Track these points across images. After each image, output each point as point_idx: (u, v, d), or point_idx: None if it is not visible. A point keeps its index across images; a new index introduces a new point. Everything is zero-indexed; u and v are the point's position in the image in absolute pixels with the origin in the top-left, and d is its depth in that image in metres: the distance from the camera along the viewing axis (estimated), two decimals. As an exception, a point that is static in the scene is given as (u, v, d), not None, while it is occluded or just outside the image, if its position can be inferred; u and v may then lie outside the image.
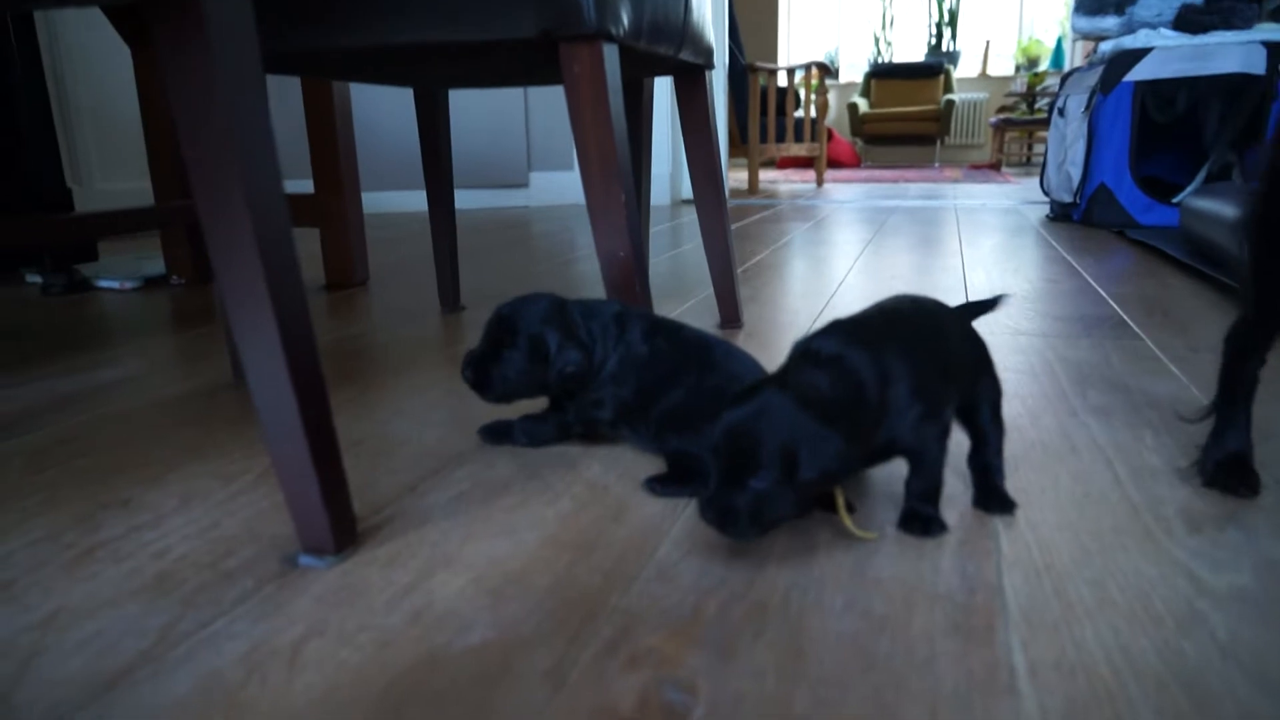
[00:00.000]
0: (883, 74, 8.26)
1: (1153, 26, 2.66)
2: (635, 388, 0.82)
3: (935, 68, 8.08)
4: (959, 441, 0.72)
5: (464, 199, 3.85)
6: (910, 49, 8.75)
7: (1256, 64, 2.43)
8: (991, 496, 0.71)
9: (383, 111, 3.55)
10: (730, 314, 1.42)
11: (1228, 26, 2.52)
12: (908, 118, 7.95)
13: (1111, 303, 1.56)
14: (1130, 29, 2.72)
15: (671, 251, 2.34)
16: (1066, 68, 6.23)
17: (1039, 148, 7.43)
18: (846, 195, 4.44)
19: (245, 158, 0.59)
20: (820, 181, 5.31)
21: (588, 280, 1.88)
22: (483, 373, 0.83)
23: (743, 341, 1.30)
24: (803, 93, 5.36)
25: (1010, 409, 0.91)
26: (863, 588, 0.59)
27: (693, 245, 2.45)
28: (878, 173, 6.75)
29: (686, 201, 3.96)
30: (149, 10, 0.57)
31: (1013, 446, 0.78)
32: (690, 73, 1.35)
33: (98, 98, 2.87)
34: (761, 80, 4.57)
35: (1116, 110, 2.61)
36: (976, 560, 0.63)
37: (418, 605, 0.58)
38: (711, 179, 1.39)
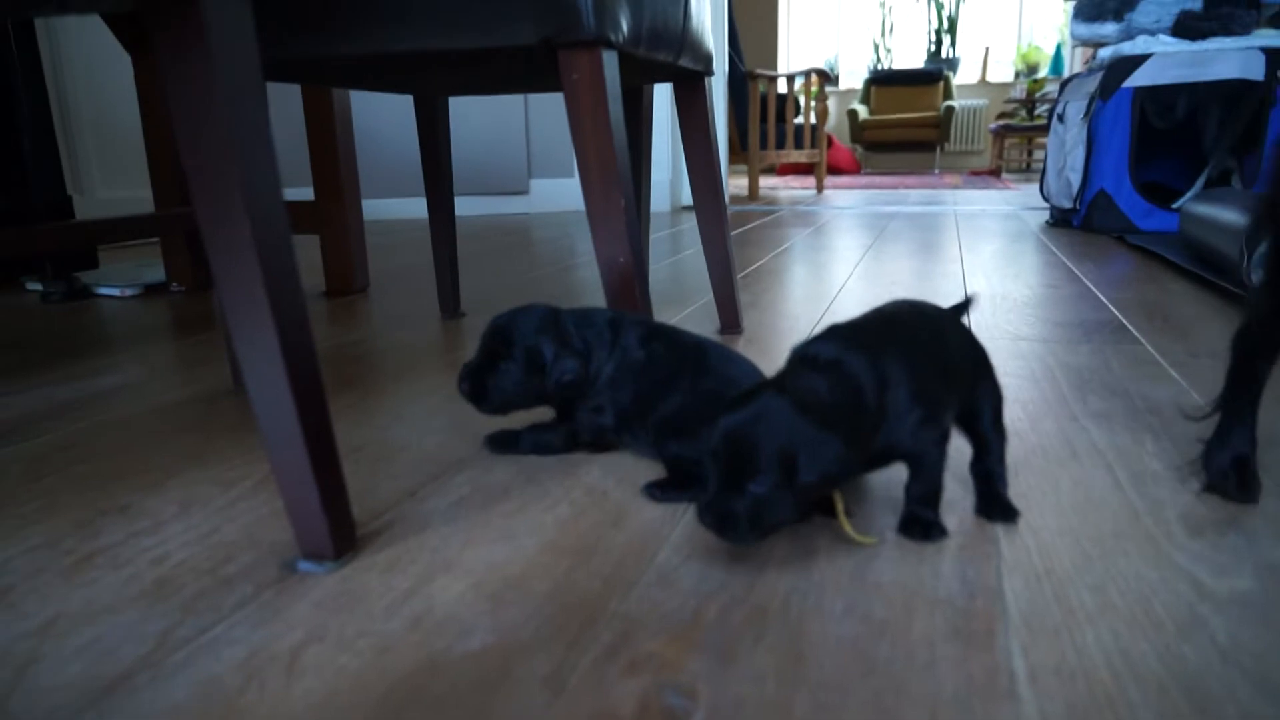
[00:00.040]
0: (882, 81, 8.27)
1: (1151, 33, 2.66)
2: (633, 393, 0.82)
3: (935, 74, 8.10)
4: (959, 446, 0.72)
5: (464, 206, 3.85)
6: (910, 56, 8.77)
7: (1255, 70, 2.44)
8: (994, 504, 0.71)
9: (383, 119, 3.55)
10: (730, 320, 1.42)
11: (1226, 33, 2.53)
12: (907, 124, 7.96)
13: (1111, 308, 1.56)
14: (1129, 35, 2.73)
15: (672, 258, 2.34)
16: (1066, 74, 6.23)
17: (1039, 154, 7.44)
18: (846, 201, 4.44)
19: (245, 165, 0.59)
20: (820, 188, 5.32)
21: (588, 286, 1.88)
22: (479, 384, 0.84)
23: (742, 347, 1.30)
24: (802, 99, 5.37)
25: (1011, 414, 0.91)
26: (863, 592, 0.59)
27: (693, 251, 2.45)
28: (878, 179, 6.76)
29: (686, 208, 3.96)
30: (149, 18, 0.58)
31: (1013, 451, 0.77)
32: (689, 79, 1.35)
33: (99, 106, 2.88)
34: (761, 87, 4.57)
35: (1116, 116, 2.62)
36: (977, 565, 0.63)
37: (417, 611, 0.58)
38: (711, 185, 1.39)
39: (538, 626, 0.56)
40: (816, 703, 0.47)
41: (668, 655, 0.52)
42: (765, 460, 0.58)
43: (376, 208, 3.72)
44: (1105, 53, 2.77)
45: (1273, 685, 0.48)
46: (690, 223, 3.29)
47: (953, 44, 8.46)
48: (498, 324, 0.85)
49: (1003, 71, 8.45)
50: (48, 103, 2.16)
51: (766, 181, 6.58)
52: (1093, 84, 2.73)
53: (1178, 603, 0.57)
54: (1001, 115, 7.56)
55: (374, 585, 0.61)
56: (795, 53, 8.92)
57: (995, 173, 7.05)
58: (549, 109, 3.86)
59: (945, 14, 8.41)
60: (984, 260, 2.20)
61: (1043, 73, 7.72)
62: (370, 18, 0.95)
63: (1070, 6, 3.04)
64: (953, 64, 8.40)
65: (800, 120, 5.51)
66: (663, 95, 3.54)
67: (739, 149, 4.76)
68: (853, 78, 8.88)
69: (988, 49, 8.46)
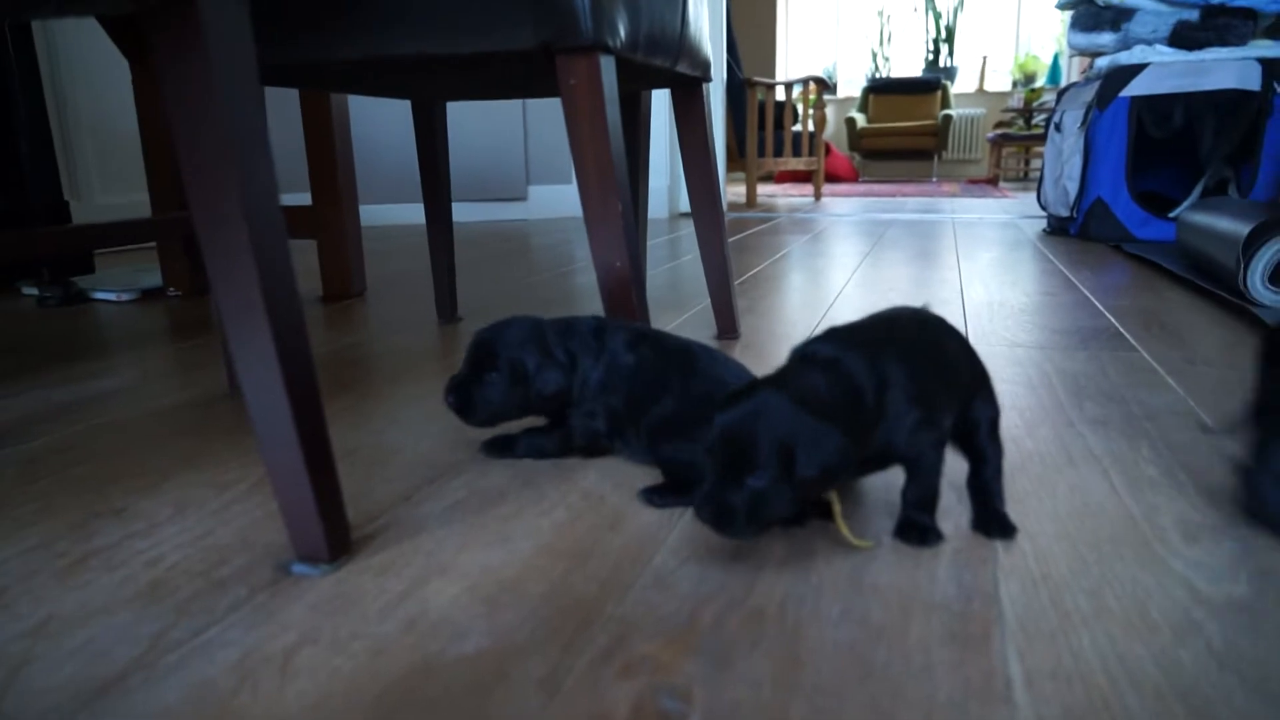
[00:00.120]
0: (880, 89, 8.29)
1: (1148, 43, 2.67)
2: (624, 397, 0.83)
3: (933, 83, 8.12)
4: (955, 459, 0.72)
5: (462, 212, 3.86)
6: (908, 65, 8.79)
7: (1252, 80, 2.45)
8: (991, 520, 0.69)
9: (381, 125, 3.56)
10: (727, 325, 1.42)
11: (1223, 43, 2.54)
12: (905, 133, 7.98)
13: (1108, 315, 1.56)
14: (1126, 45, 2.74)
15: (669, 264, 2.35)
16: (1063, 84, 6.26)
17: (1036, 163, 7.46)
18: (844, 209, 4.45)
19: (242, 169, 0.59)
20: (818, 195, 5.32)
21: (585, 292, 1.89)
22: (465, 397, 0.84)
23: (739, 352, 1.30)
24: (800, 107, 5.38)
25: (1007, 420, 0.91)
26: (859, 596, 0.59)
27: (690, 258, 2.45)
28: (875, 187, 6.77)
29: (684, 214, 3.97)
30: (147, 21, 0.58)
31: (1010, 458, 0.77)
32: (687, 85, 1.35)
33: (96, 112, 2.88)
34: (759, 95, 4.58)
35: (1113, 125, 2.63)
36: (973, 569, 0.63)
37: (412, 613, 0.58)
38: (709, 190, 1.39)
39: (533, 629, 0.56)
40: (813, 707, 0.47)
41: (663, 658, 0.52)
42: (764, 454, 0.57)
43: (374, 213, 3.72)
44: (1102, 62, 2.78)
45: (1268, 690, 0.48)
46: (687, 229, 3.30)
47: (950, 53, 8.49)
48: (482, 337, 0.85)
49: (1000, 81, 8.47)
50: (45, 107, 2.16)
51: (764, 189, 6.59)
52: (1090, 93, 2.74)
53: (1174, 608, 0.57)
54: (999, 124, 7.58)
55: (368, 588, 0.61)
56: (793, 61, 8.94)
57: (993, 181, 7.07)
58: (547, 116, 3.86)
59: (943, 23, 8.44)
60: (981, 268, 2.20)
61: (1040, 82, 7.75)
62: (368, 21, 0.95)
63: (1068, 16, 3.05)
64: (950, 73, 8.42)
65: (798, 128, 5.53)
66: (660, 103, 3.54)
67: (737, 156, 4.77)
68: (851, 86, 8.90)
69: (985, 58, 8.48)
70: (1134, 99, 2.59)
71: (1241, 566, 0.63)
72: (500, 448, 0.89)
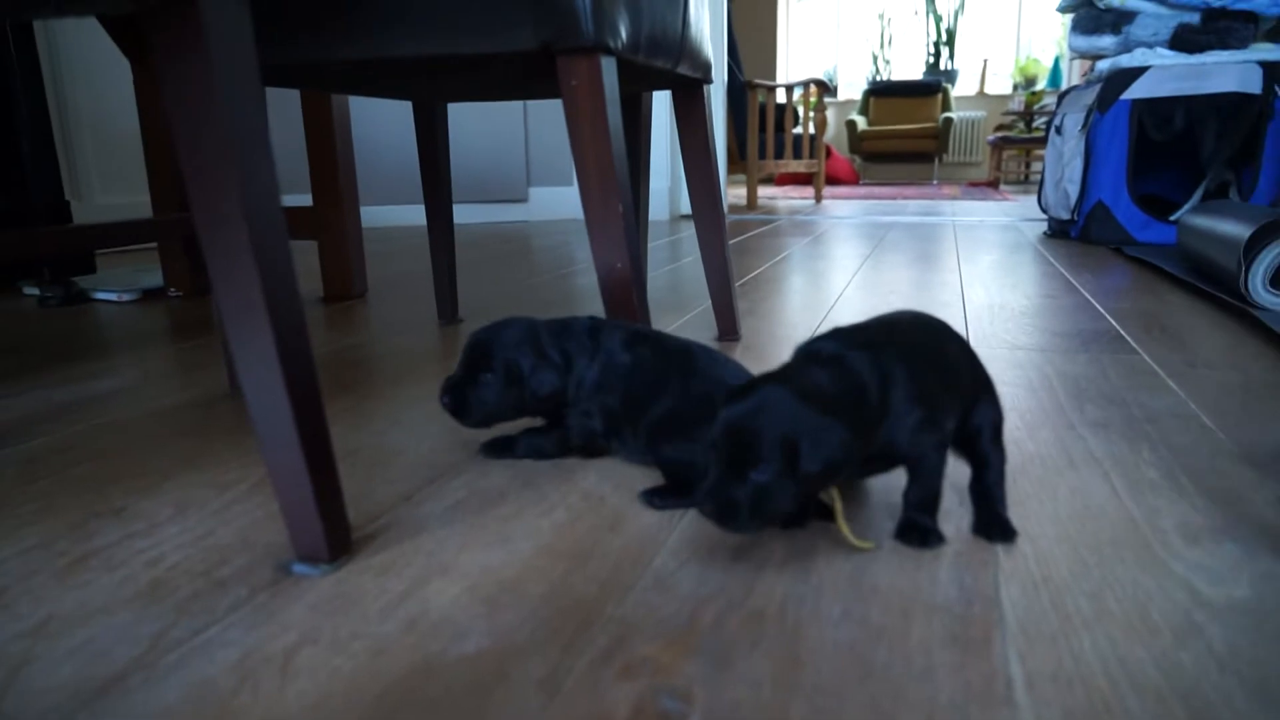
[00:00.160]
0: (881, 92, 8.30)
1: (1149, 46, 2.67)
2: (621, 396, 0.83)
3: (933, 86, 8.12)
4: (958, 463, 0.72)
5: (463, 214, 3.86)
6: (908, 67, 8.80)
7: (1253, 83, 2.45)
8: (992, 524, 0.69)
9: (382, 126, 3.56)
10: (728, 327, 1.42)
11: (1224, 46, 2.54)
12: (906, 135, 7.98)
13: (1109, 318, 1.56)
14: (1127, 48, 2.74)
15: (670, 265, 2.35)
16: (1064, 87, 6.26)
17: (1036, 165, 7.46)
18: (845, 211, 4.45)
19: (243, 169, 0.59)
20: (819, 198, 5.33)
21: (586, 294, 1.89)
22: (460, 398, 0.84)
23: (740, 354, 1.30)
24: (801, 110, 5.38)
25: (1008, 423, 0.91)
26: (860, 597, 0.59)
27: (691, 259, 2.45)
28: (876, 189, 6.77)
29: (685, 217, 3.97)
30: (148, 21, 0.58)
31: (1011, 460, 0.77)
32: (688, 87, 1.35)
33: (98, 112, 2.88)
34: (760, 97, 4.59)
35: (1114, 128, 2.63)
36: (974, 571, 0.63)
37: (412, 613, 0.58)
38: (710, 192, 1.39)
39: (533, 630, 0.55)
40: (813, 708, 0.47)
41: (663, 659, 0.52)
42: (767, 448, 0.57)
43: (375, 215, 3.72)
44: (1103, 65, 2.78)
45: (1269, 693, 0.48)
46: (688, 231, 3.30)
47: (951, 56, 8.50)
48: (477, 338, 0.85)
49: (1001, 84, 8.48)
50: (46, 107, 2.16)
51: (765, 191, 6.60)
52: (1090, 96, 2.74)
53: (1175, 610, 0.57)
54: (1000, 127, 7.58)
55: (369, 588, 0.61)
56: (794, 63, 8.95)
57: (993, 184, 7.07)
58: (548, 117, 3.87)
59: (944, 26, 8.45)
60: (982, 270, 2.20)
61: (1041, 85, 7.75)
62: (369, 22, 0.95)
63: (1068, 19, 3.05)
64: (951, 76, 8.43)
65: (799, 130, 5.53)
66: (661, 106, 3.55)
67: (738, 158, 4.78)
68: (851, 89, 8.91)
69: (986, 61, 8.49)
70: (1135, 102, 2.60)
71: (1243, 569, 0.63)
72: (500, 449, 0.88)
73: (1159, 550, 0.66)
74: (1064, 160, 2.88)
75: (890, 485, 0.78)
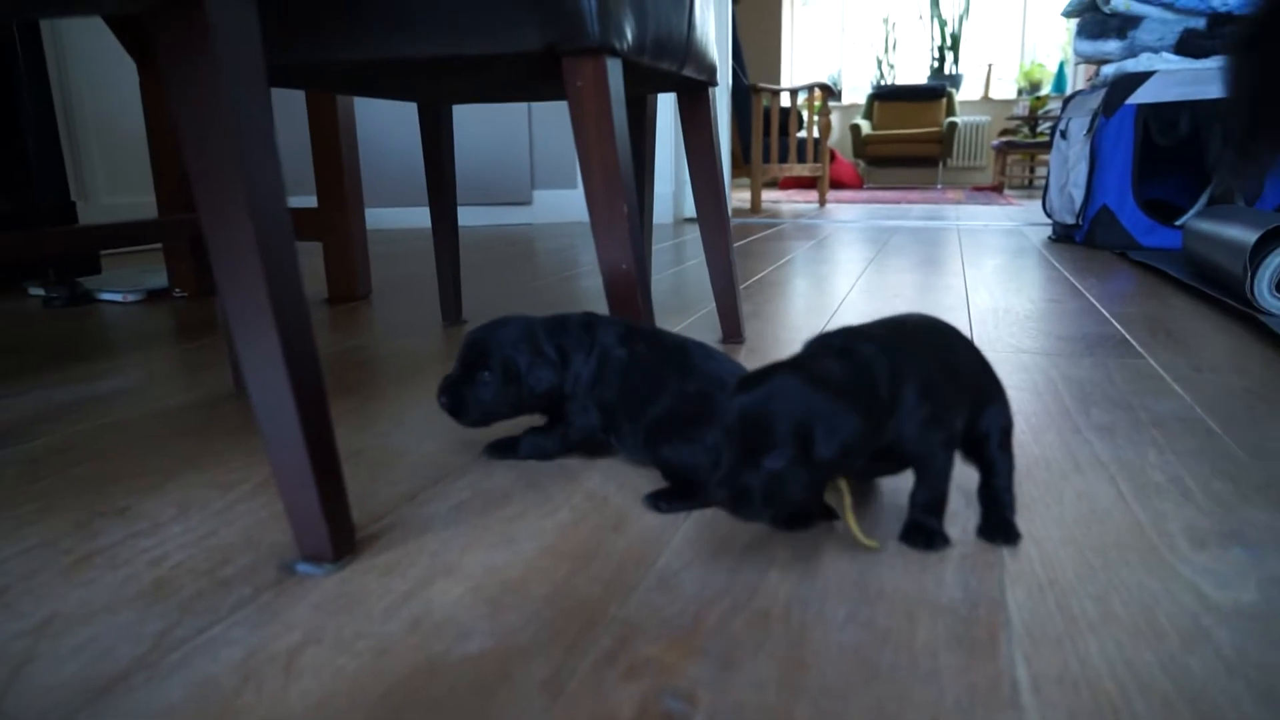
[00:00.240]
0: (885, 96, 8.30)
1: (1155, 50, 2.67)
2: (618, 391, 0.82)
3: (938, 90, 8.12)
4: (965, 467, 0.72)
5: (467, 216, 3.86)
6: (913, 72, 8.80)
7: (1258, 88, 2.44)
8: (997, 526, 0.68)
9: (387, 128, 3.57)
10: (732, 329, 1.42)
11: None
12: (910, 139, 7.98)
13: (1114, 322, 1.56)
14: (1132, 53, 2.73)
15: (674, 268, 2.35)
16: (1068, 91, 6.25)
17: (1041, 170, 7.45)
18: (849, 215, 4.45)
19: (249, 169, 0.59)
20: (823, 202, 5.32)
21: (590, 296, 1.88)
22: (458, 398, 0.84)
23: (744, 356, 1.29)
24: (805, 114, 5.38)
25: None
26: (865, 599, 0.59)
27: (695, 262, 2.45)
28: (880, 194, 6.77)
29: (689, 220, 3.97)
30: (154, 21, 0.58)
31: (1016, 463, 0.77)
32: (693, 89, 1.35)
33: (103, 112, 2.89)
34: (765, 101, 4.59)
35: (1119, 133, 2.62)
36: (979, 574, 0.62)
37: (416, 613, 0.58)
38: (714, 194, 1.39)
39: (537, 630, 0.55)
40: (818, 710, 0.47)
41: (667, 660, 0.52)
42: (781, 435, 0.57)
43: (379, 217, 3.73)
44: (1109, 70, 2.78)
45: (1278, 698, 0.48)
46: (692, 234, 3.30)
47: (955, 61, 8.50)
48: (474, 337, 0.85)
49: (1005, 88, 8.48)
50: (52, 107, 2.16)
51: (769, 195, 6.60)
52: (1096, 100, 2.74)
53: (1181, 614, 0.57)
54: (1004, 132, 7.58)
55: (373, 588, 0.61)
56: (799, 67, 8.96)
57: (998, 189, 7.06)
58: (552, 120, 3.87)
59: (948, 31, 8.45)
60: (986, 274, 2.20)
61: (1045, 90, 7.75)
62: (374, 23, 0.95)
63: (1074, 24, 3.05)
64: (955, 80, 8.42)
65: (803, 134, 5.53)
66: (664, 108, 3.55)
67: (742, 162, 4.78)
68: (856, 93, 8.91)
69: (990, 66, 8.49)
70: (1140, 106, 2.59)
71: (1250, 573, 0.62)
72: (503, 449, 0.88)
73: (1165, 554, 0.65)
74: (1069, 165, 2.88)
75: (897, 487, 0.78)
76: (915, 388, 0.62)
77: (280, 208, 0.61)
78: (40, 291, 1.94)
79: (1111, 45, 2.83)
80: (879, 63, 8.82)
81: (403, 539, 0.69)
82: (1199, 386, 1.12)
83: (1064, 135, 3.00)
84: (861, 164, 8.41)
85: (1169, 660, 0.51)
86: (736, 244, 2.97)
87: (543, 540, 0.69)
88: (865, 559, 0.65)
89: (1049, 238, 3.10)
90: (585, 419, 0.85)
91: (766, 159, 4.75)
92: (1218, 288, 1.78)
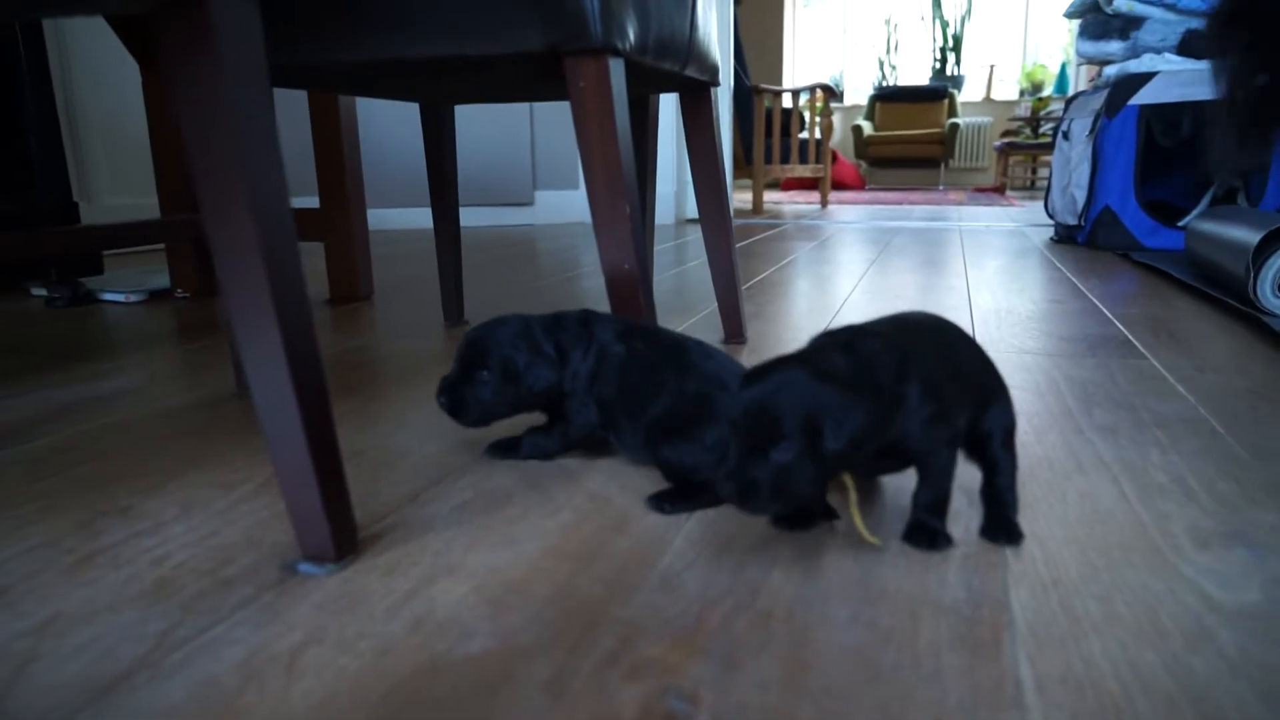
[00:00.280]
0: (887, 97, 8.30)
1: (1157, 51, 2.67)
2: (616, 387, 0.82)
3: (939, 91, 8.12)
4: (968, 467, 0.72)
5: (469, 217, 3.86)
6: (915, 73, 8.80)
7: (1260, 88, 2.44)
8: (999, 526, 0.68)
9: (389, 129, 3.57)
10: (734, 330, 1.42)
11: (1231, 51, 2.53)
12: (912, 140, 7.98)
13: (1117, 323, 1.55)
14: (1135, 53, 2.73)
15: (676, 269, 2.34)
16: (1070, 93, 6.25)
17: (1043, 171, 7.45)
18: (850, 216, 4.45)
19: (251, 168, 0.59)
20: (824, 202, 5.32)
21: (592, 296, 1.88)
22: (457, 398, 0.84)
23: (746, 357, 1.29)
24: (807, 115, 5.38)
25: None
26: (868, 600, 0.59)
27: (697, 263, 2.45)
28: (882, 195, 6.77)
29: (691, 221, 3.97)
30: (157, 21, 0.58)
31: (1019, 463, 0.77)
32: (695, 89, 1.35)
33: (106, 113, 2.89)
34: (766, 102, 4.59)
35: (1121, 133, 2.62)
36: (983, 574, 0.62)
37: (418, 613, 0.57)
38: (716, 194, 1.39)
39: (539, 631, 0.55)
40: (821, 710, 0.47)
41: (670, 660, 0.52)
42: (788, 427, 0.57)
43: (381, 217, 3.73)
44: (1111, 70, 2.78)
45: (1282, 697, 0.48)
46: (694, 235, 3.30)
47: (957, 62, 8.50)
48: (472, 337, 0.85)
49: (1007, 90, 8.47)
50: (55, 107, 2.17)
51: (771, 196, 6.60)
52: (1098, 101, 2.74)
53: (1185, 614, 0.57)
54: (1006, 133, 7.58)
55: (375, 587, 0.61)
56: (800, 68, 8.96)
57: (1000, 190, 7.06)
58: (554, 121, 3.87)
59: (950, 32, 8.45)
60: (988, 275, 2.20)
61: (1047, 91, 7.74)
62: (376, 23, 0.95)
63: (1075, 25, 3.05)
64: (957, 82, 8.42)
65: (805, 135, 5.53)
66: (666, 109, 3.55)
67: (743, 163, 4.78)
68: (858, 94, 8.91)
69: (993, 67, 8.49)
70: (1143, 107, 2.59)
71: (1254, 574, 0.62)
72: (505, 449, 0.88)
73: (1169, 554, 0.65)
74: (1071, 165, 2.88)
75: (899, 487, 0.77)
76: (919, 385, 0.62)
77: (283, 207, 0.61)
78: (43, 292, 1.94)
79: (1114, 46, 2.83)
80: (881, 64, 8.82)
81: (405, 539, 0.69)
82: (1202, 387, 1.12)
83: (1066, 136, 3.00)
84: (863, 165, 8.41)
85: (1173, 661, 0.51)
86: (738, 244, 2.97)
87: (545, 540, 0.69)
88: (868, 559, 0.65)
89: (1051, 239, 3.10)
90: (584, 416, 0.85)
91: (768, 160, 4.75)
92: (1220, 289, 1.78)
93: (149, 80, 1.86)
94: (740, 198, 5.48)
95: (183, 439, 0.95)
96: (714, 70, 1.31)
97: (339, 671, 0.51)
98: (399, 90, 1.29)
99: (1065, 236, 2.99)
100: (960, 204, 5.46)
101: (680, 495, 0.75)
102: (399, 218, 3.78)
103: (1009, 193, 6.97)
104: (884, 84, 8.69)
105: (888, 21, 8.73)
